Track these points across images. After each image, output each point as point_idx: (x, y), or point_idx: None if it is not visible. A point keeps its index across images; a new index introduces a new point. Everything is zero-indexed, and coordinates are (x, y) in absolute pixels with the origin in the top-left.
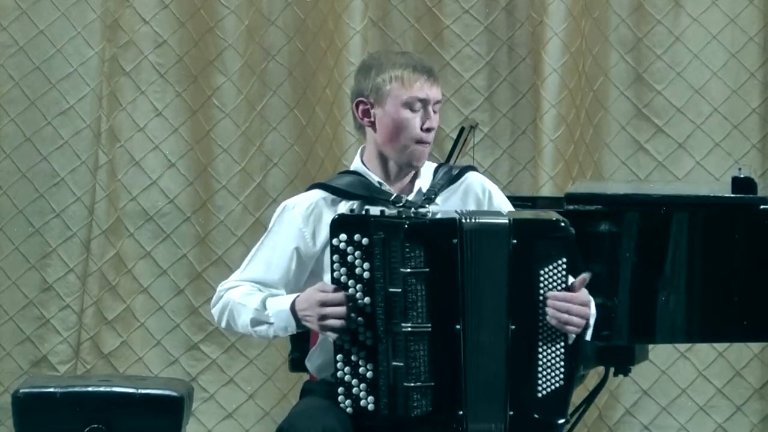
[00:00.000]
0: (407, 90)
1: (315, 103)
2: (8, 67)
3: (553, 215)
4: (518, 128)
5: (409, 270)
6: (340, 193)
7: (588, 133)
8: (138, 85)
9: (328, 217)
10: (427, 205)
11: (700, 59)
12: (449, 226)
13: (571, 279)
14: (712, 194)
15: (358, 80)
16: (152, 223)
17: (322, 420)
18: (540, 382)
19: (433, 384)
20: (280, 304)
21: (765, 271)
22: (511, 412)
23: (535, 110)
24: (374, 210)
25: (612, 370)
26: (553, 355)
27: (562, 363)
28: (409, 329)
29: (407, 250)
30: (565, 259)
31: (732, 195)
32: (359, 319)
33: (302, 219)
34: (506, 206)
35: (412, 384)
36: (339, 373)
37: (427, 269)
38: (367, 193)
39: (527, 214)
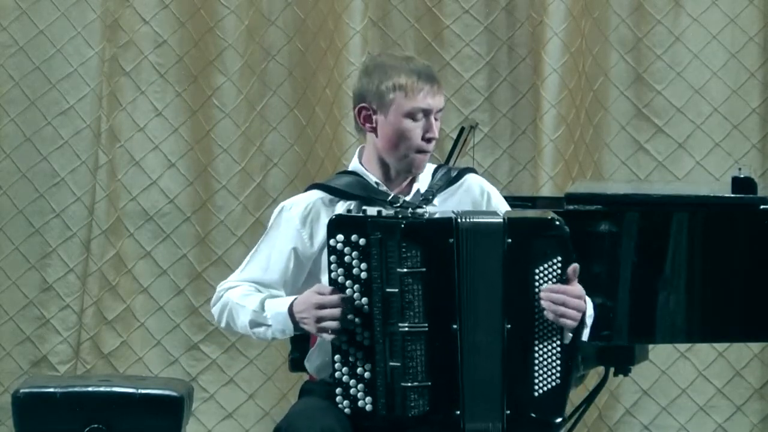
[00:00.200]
0: (410, 101)
1: (315, 103)
2: (8, 67)
3: (548, 214)
4: (518, 128)
5: (405, 270)
6: (338, 194)
7: (588, 133)
8: (138, 85)
9: (325, 217)
10: (424, 206)
11: (700, 59)
12: (445, 225)
13: None
14: (712, 194)
15: (361, 84)
16: (152, 223)
17: (320, 420)
18: (536, 381)
19: (430, 384)
20: (278, 306)
21: (765, 271)
22: (508, 411)
23: (535, 110)
24: (371, 210)
25: (612, 370)
26: (550, 353)
27: (559, 362)
28: (406, 329)
29: (404, 250)
30: (560, 258)
31: (732, 195)
32: (356, 319)
33: (300, 220)
34: (504, 208)
35: (410, 384)
36: (337, 374)
37: (424, 269)
38: (364, 193)
39: (522, 213)
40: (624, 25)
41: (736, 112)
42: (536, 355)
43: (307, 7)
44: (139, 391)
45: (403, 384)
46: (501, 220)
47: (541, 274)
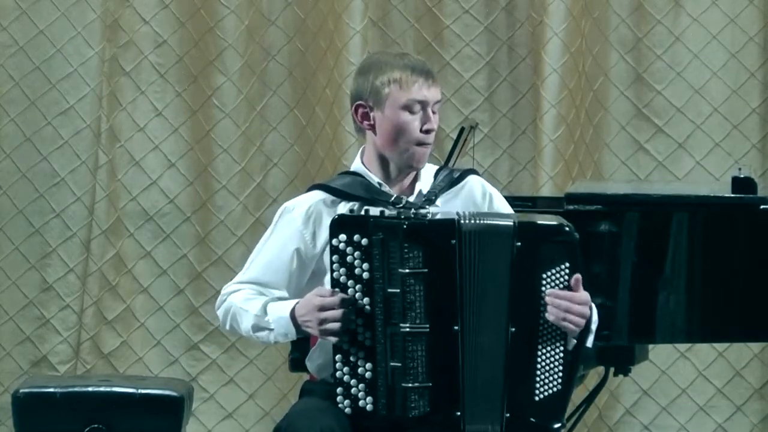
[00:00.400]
0: (405, 93)
1: (315, 103)
2: (8, 67)
3: (558, 219)
4: (518, 128)
5: (407, 270)
6: (340, 194)
7: (588, 133)
8: (138, 85)
9: (327, 218)
10: (427, 207)
11: (700, 59)
12: (448, 226)
13: None
14: (712, 194)
15: (356, 83)
16: (152, 223)
17: (320, 420)
18: (538, 385)
19: (430, 385)
20: (280, 311)
21: (765, 271)
22: (508, 415)
23: (535, 110)
24: (374, 210)
25: (612, 370)
26: (552, 358)
27: (561, 367)
28: (408, 330)
29: (406, 250)
30: (567, 264)
31: (732, 195)
32: (358, 319)
33: (302, 221)
34: (506, 210)
35: (410, 384)
36: (338, 374)
37: (426, 270)
38: (367, 194)
39: (531, 217)
40: (624, 25)
41: (736, 112)
42: (539, 359)
43: (307, 7)
44: (139, 391)
45: (403, 384)
46: (511, 223)
47: (548, 280)
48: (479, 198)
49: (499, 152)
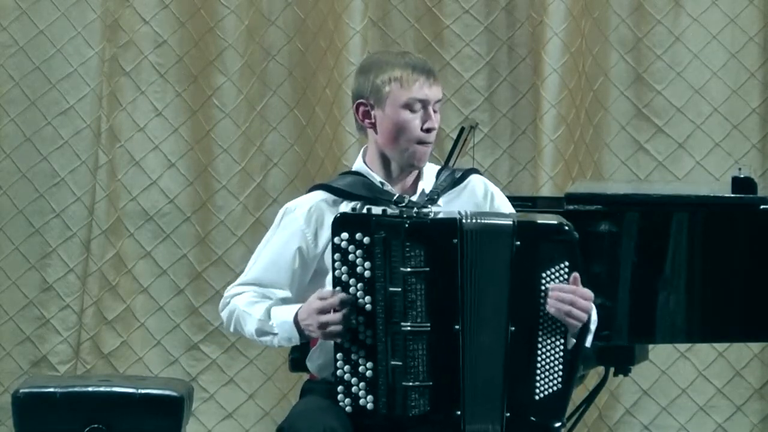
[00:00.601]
0: (406, 91)
1: (315, 103)
2: (8, 67)
3: (558, 218)
4: (518, 128)
5: (409, 269)
6: (342, 194)
7: (588, 133)
8: (138, 85)
9: (329, 218)
10: (429, 206)
11: (700, 59)
12: (449, 226)
13: None
14: (712, 194)
15: (357, 81)
16: (152, 223)
17: (322, 420)
18: (538, 384)
19: (431, 384)
20: (284, 315)
21: (765, 271)
22: (508, 414)
23: (535, 110)
24: (376, 209)
25: (612, 370)
26: (552, 357)
27: (561, 366)
28: (409, 329)
29: (407, 249)
30: (567, 263)
31: (732, 195)
32: (359, 318)
33: (304, 220)
34: (507, 208)
35: (411, 383)
36: (338, 372)
37: (427, 269)
38: (369, 193)
39: (531, 216)
40: (624, 25)
41: (736, 112)
42: (539, 358)
43: (307, 7)
44: (139, 391)
45: (404, 383)
46: (510, 222)
47: (548, 279)
48: (481, 197)
49: (499, 152)
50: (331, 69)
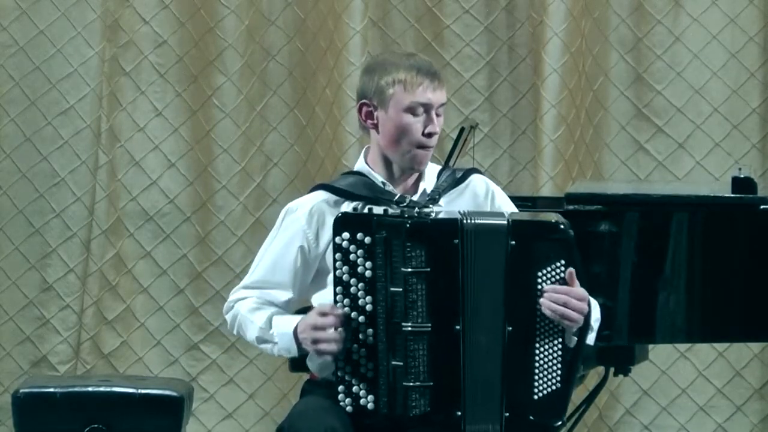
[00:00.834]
0: (410, 94)
1: (315, 103)
2: (8, 67)
3: (553, 217)
4: (518, 128)
5: (410, 269)
6: (344, 194)
7: (588, 133)
8: (138, 85)
9: (331, 218)
10: (430, 206)
11: (700, 59)
12: (450, 226)
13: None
14: (712, 194)
15: (362, 81)
16: (152, 223)
17: (323, 420)
18: (536, 384)
19: (432, 384)
20: (284, 326)
21: (765, 271)
22: (507, 414)
23: (535, 110)
24: (377, 209)
25: (612, 370)
26: (550, 357)
27: (560, 365)
28: (409, 329)
29: (408, 249)
30: (563, 261)
31: (732, 195)
32: (360, 317)
33: (305, 220)
34: (509, 207)
35: (411, 384)
36: (339, 372)
37: (428, 269)
38: (370, 193)
39: (527, 215)
40: (624, 25)
41: (736, 112)
42: (537, 358)
43: (307, 7)
44: (139, 391)
45: (405, 383)
46: (504, 222)
47: (544, 277)
48: (482, 196)
49: (499, 152)
50: (331, 69)
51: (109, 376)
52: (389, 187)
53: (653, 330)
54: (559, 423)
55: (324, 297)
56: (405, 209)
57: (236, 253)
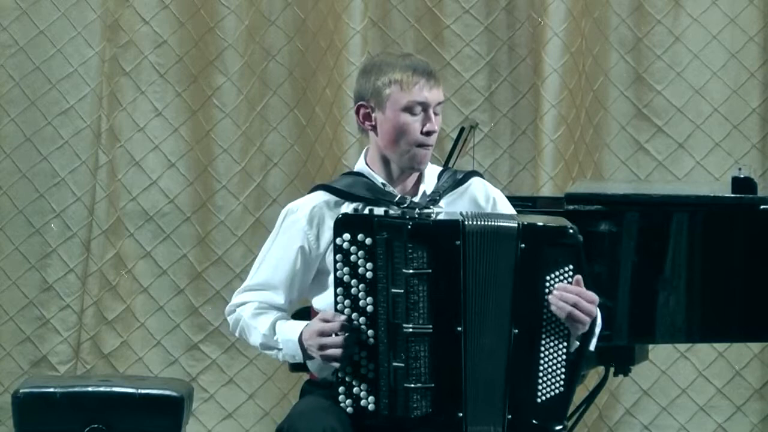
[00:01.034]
0: (406, 94)
1: (315, 103)
2: (8, 67)
3: (563, 222)
4: (518, 128)
5: (411, 271)
6: (344, 195)
7: (588, 133)
8: (138, 85)
9: (331, 218)
10: (431, 207)
11: (700, 59)
12: (452, 227)
13: None
14: (712, 194)
15: (359, 83)
16: (152, 223)
17: (322, 420)
18: (540, 387)
19: (433, 385)
20: (289, 333)
21: (765, 271)
22: (509, 416)
23: (535, 110)
24: (378, 210)
25: (612, 370)
26: (555, 361)
27: (564, 369)
28: (411, 330)
29: (410, 250)
30: (571, 267)
31: (732, 195)
32: (361, 318)
33: (306, 221)
34: (510, 212)
35: (413, 385)
36: (340, 373)
37: (430, 270)
38: (371, 194)
39: (536, 219)
40: (624, 25)
41: (736, 112)
42: (542, 361)
43: (307, 7)
44: (139, 391)
45: (406, 385)
46: (515, 225)
47: (552, 282)
48: (482, 200)
49: (499, 152)
50: (331, 69)
51: (109, 376)
52: (389, 188)
53: (653, 330)
54: (560, 427)
55: (325, 299)
56: (406, 210)
57: (236, 253)
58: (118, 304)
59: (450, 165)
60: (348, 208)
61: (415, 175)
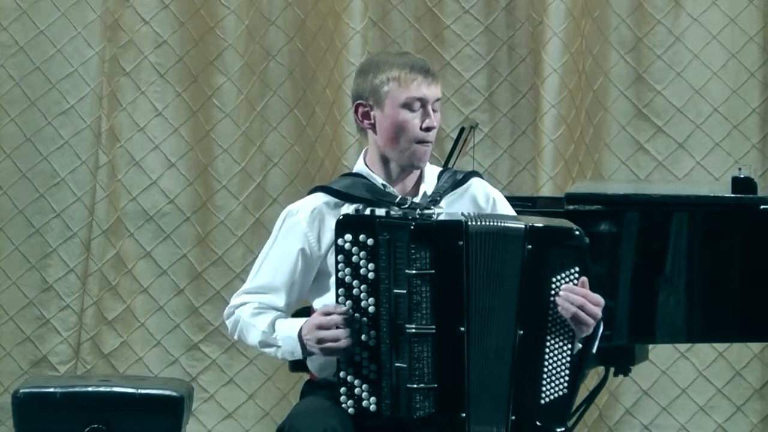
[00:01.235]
0: (404, 90)
1: (315, 103)
2: (8, 67)
3: (568, 223)
4: (518, 128)
5: (414, 271)
6: (344, 196)
7: (588, 133)
8: (138, 85)
9: (331, 220)
10: (432, 207)
11: (700, 59)
12: (455, 228)
13: None
14: (712, 194)
15: (356, 83)
16: (152, 223)
17: (323, 420)
18: (544, 388)
19: (436, 386)
20: (288, 329)
21: (765, 271)
22: (513, 417)
23: (535, 110)
24: (379, 211)
25: (612, 370)
26: (559, 362)
27: (568, 371)
28: (413, 331)
29: (412, 251)
30: (577, 268)
31: (732, 195)
32: (363, 319)
33: (306, 223)
34: (510, 213)
35: (415, 386)
36: (341, 374)
37: (432, 271)
38: (371, 195)
39: (542, 220)
40: (624, 25)
41: (736, 112)
42: (546, 362)
43: (307, 7)
44: (139, 391)
45: (408, 385)
46: (522, 226)
47: (558, 283)
48: (482, 201)
49: (499, 152)
50: (331, 69)
51: (109, 376)
52: (390, 189)
53: (653, 330)
54: (563, 429)
55: (325, 301)
56: (407, 211)
57: (236, 253)
58: (118, 304)
59: (450, 165)
60: (349, 209)
61: (415, 175)
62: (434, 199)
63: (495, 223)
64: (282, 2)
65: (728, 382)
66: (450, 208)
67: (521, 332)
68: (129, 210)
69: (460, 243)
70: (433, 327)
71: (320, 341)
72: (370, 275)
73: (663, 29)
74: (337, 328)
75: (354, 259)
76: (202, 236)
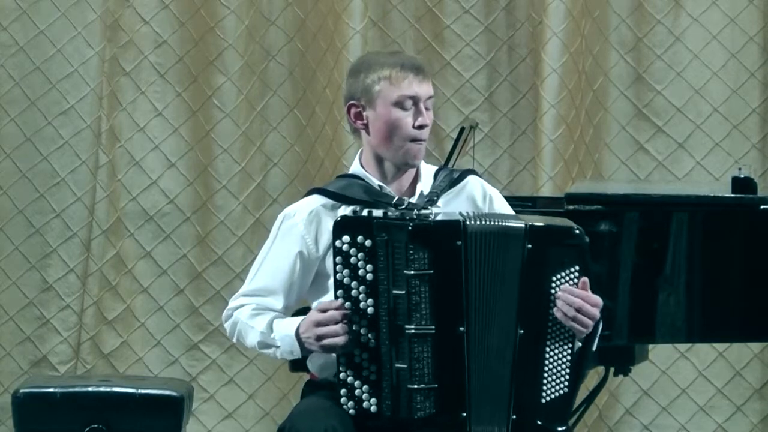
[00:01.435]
0: (396, 89)
1: (315, 103)
2: (8, 67)
3: (569, 222)
4: (518, 128)
5: (412, 272)
6: (340, 198)
7: (588, 133)
8: (138, 85)
9: (329, 222)
10: (429, 207)
11: (700, 59)
12: (453, 227)
13: None
14: (712, 194)
15: (348, 83)
16: (152, 223)
17: (323, 420)
18: (545, 387)
19: (436, 386)
20: (286, 329)
21: (765, 271)
22: (514, 416)
23: (535, 110)
24: (377, 211)
25: (612, 370)
26: (560, 361)
27: (568, 370)
28: (413, 331)
29: (411, 251)
30: (577, 267)
31: (732, 195)
32: (362, 321)
33: (304, 225)
34: (507, 211)
35: (416, 386)
36: (342, 375)
37: (431, 271)
38: (367, 196)
39: (542, 219)
40: (624, 25)
41: (736, 112)
42: (547, 362)
43: (307, 7)
44: (139, 391)
45: (409, 386)
46: (522, 225)
47: (558, 282)
48: (479, 199)
49: (499, 152)
50: (331, 69)
51: (109, 376)
52: (386, 190)
53: (653, 330)
54: (563, 428)
55: None
56: (404, 211)
57: (236, 253)
58: (118, 304)
59: (450, 165)
60: (346, 210)
61: (411, 174)
62: (431, 199)
63: (494, 223)
64: (282, 2)
65: (728, 382)
66: (447, 207)
67: (522, 331)
68: (129, 210)
69: (459, 243)
70: (433, 327)
71: (319, 338)
72: (369, 276)
73: (663, 29)
74: (335, 323)
75: (352, 260)
76: (202, 236)
